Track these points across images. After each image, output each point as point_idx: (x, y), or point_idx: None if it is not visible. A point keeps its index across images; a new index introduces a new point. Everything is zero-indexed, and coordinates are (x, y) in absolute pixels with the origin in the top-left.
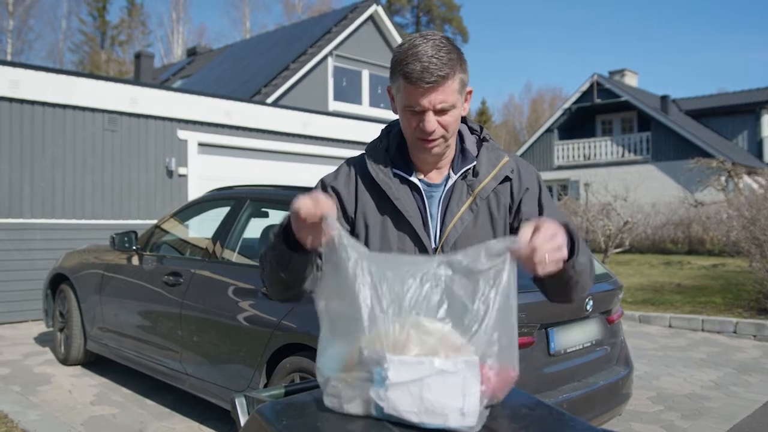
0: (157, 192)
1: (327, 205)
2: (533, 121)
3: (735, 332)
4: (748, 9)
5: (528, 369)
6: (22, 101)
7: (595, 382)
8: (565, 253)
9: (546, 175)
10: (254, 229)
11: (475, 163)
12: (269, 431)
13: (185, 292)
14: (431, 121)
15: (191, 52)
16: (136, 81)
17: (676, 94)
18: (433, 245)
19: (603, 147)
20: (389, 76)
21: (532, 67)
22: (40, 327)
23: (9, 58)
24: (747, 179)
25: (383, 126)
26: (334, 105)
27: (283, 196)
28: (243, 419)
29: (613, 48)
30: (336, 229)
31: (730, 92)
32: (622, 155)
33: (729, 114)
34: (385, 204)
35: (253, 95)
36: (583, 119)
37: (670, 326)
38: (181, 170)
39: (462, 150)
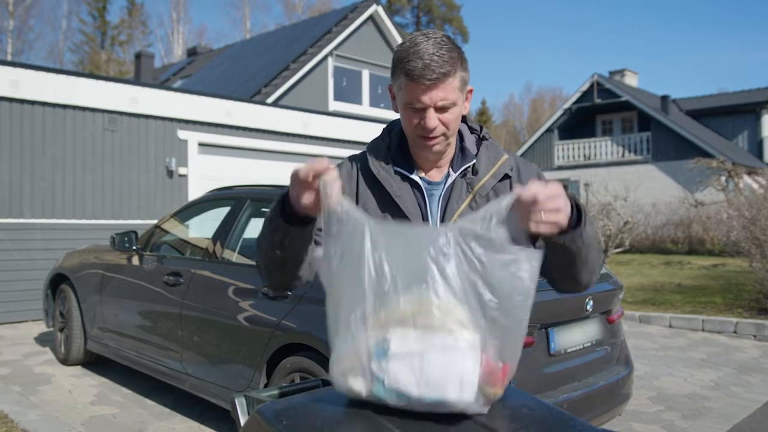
0: (158, 192)
1: (326, 167)
2: (533, 121)
3: (735, 332)
4: (748, 9)
5: (528, 369)
6: (22, 101)
7: (596, 382)
8: (562, 218)
9: (546, 175)
10: (254, 229)
11: (474, 161)
12: (269, 431)
13: (185, 292)
14: (432, 119)
15: (191, 52)
16: (137, 81)
17: (676, 94)
18: None
19: (603, 147)
20: (390, 74)
21: (532, 67)
22: (41, 327)
23: (9, 58)
24: (747, 179)
25: (383, 126)
26: (334, 105)
27: None
28: (243, 419)
29: (613, 48)
30: (338, 195)
31: (730, 92)
32: (623, 155)
33: (729, 114)
34: (385, 201)
35: (254, 95)
36: (584, 119)
37: (670, 326)
38: (182, 170)
39: (462, 149)
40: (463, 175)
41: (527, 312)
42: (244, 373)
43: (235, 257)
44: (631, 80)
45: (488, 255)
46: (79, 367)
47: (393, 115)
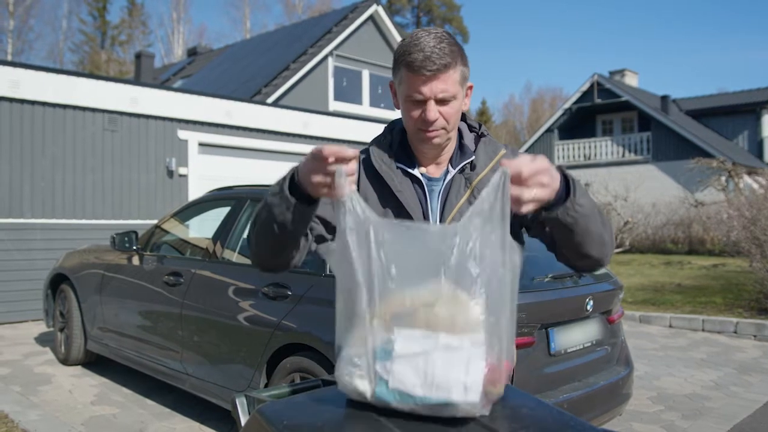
0: (158, 192)
1: (351, 156)
2: (533, 121)
3: (735, 332)
4: (748, 9)
5: (528, 369)
6: (22, 101)
7: (596, 382)
8: (547, 194)
9: None
10: None
11: (473, 157)
12: (270, 431)
13: (186, 292)
14: (432, 110)
15: (191, 52)
16: (137, 81)
17: (677, 94)
18: None
19: (603, 147)
20: (392, 69)
21: (533, 67)
22: (41, 327)
23: (9, 58)
24: (747, 179)
25: (383, 126)
26: (334, 105)
27: None
28: (243, 419)
29: (613, 48)
30: (348, 190)
31: (730, 92)
32: (623, 155)
33: (729, 114)
34: (387, 196)
35: (254, 95)
36: (584, 119)
37: (670, 326)
38: (182, 170)
39: (461, 146)
40: (462, 170)
41: (515, 307)
42: (244, 373)
43: (235, 257)
44: (631, 80)
45: (491, 250)
46: (79, 367)
47: (393, 115)
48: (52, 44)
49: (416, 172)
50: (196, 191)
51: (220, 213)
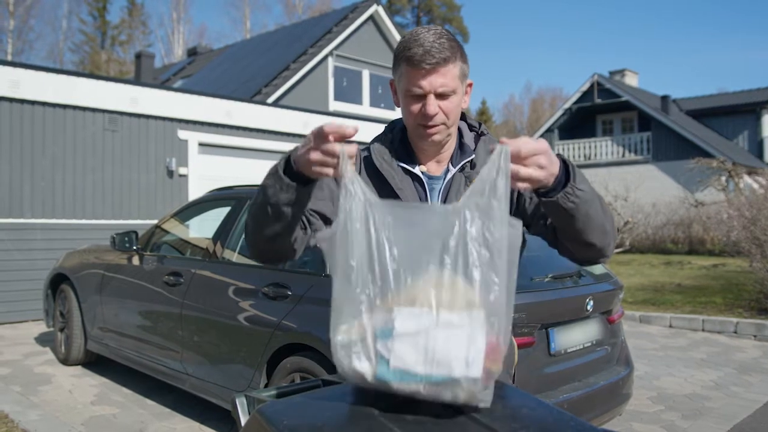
0: (158, 192)
1: (352, 134)
2: (533, 121)
3: (735, 332)
4: (748, 9)
5: (528, 369)
6: (22, 101)
7: (596, 382)
8: (543, 176)
9: None
10: None
11: (473, 156)
12: (270, 431)
13: (186, 292)
14: (432, 104)
15: (192, 52)
16: (137, 81)
17: (677, 94)
18: None
19: (603, 147)
20: (392, 67)
21: (533, 67)
22: (41, 327)
23: (9, 57)
24: (747, 179)
25: (383, 126)
26: (334, 105)
27: None
28: (243, 419)
29: (613, 48)
30: (349, 171)
31: (730, 92)
32: (623, 155)
33: (729, 114)
34: (387, 194)
35: (254, 95)
36: (584, 119)
37: (670, 326)
38: (182, 170)
39: (461, 145)
40: (462, 169)
41: (515, 286)
42: (244, 373)
43: (235, 257)
44: (631, 80)
45: (492, 228)
46: (79, 367)
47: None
48: (52, 44)
49: (417, 170)
50: (196, 191)
51: (220, 213)
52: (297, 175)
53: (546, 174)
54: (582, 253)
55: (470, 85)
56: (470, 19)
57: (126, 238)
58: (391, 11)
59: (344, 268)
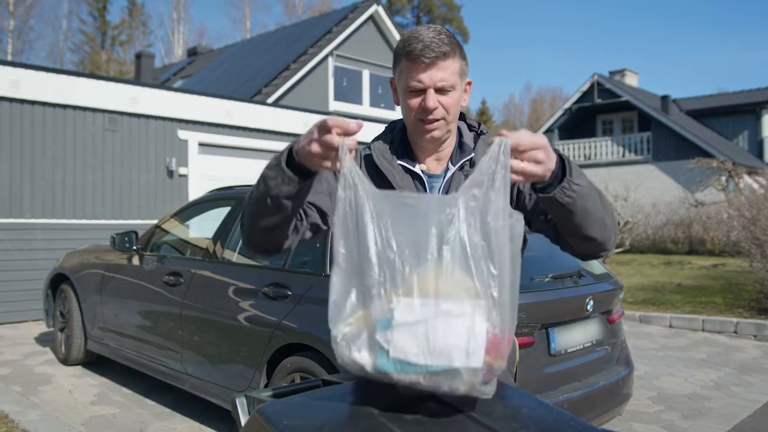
0: (158, 192)
1: (355, 130)
2: (534, 121)
3: (735, 332)
4: (748, 9)
5: (528, 369)
6: (22, 101)
7: (596, 382)
8: (540, 171)
9: None
10: None
11: (472, 155)
12: (270, 431)
13: (186, 292)
14: (432, 98)
15: (192, 52)
16: (137, 81)
17: (677, 94)
18: None
19: (603, 147)
20: (392, 66)
21: (533, 67)
22: (41, 327)
23: (9, 57)
24: (747, 179)
25: (383, 126)
26: (334, 105)
27: None
28: (243, 419)
29: (613, 48)
30: (349, 163)
31: (730, 92)
32: (623, 155)
33: (729, 114)
34: None
35: (254, 95)
36: (584, 119)
37: (670, 326)
38: (182, 170)
39: (460, 144)
40: (461, 167)
41: (518, 279)
42: (244, 373)
43: (235, 257)
44: (631, 80)
45: (490, 219)
46: (79, 367)
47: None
48: (52, 44)
49: (417, 168)
50: (196, 191)
51: (220, 213)
52: (298, 167)
53: (543, 169)
54: (583, 247)
55: (469, 83)
56: (470, 19)
57: (126, 238)
58: (391, 11)
59: (342, 259)
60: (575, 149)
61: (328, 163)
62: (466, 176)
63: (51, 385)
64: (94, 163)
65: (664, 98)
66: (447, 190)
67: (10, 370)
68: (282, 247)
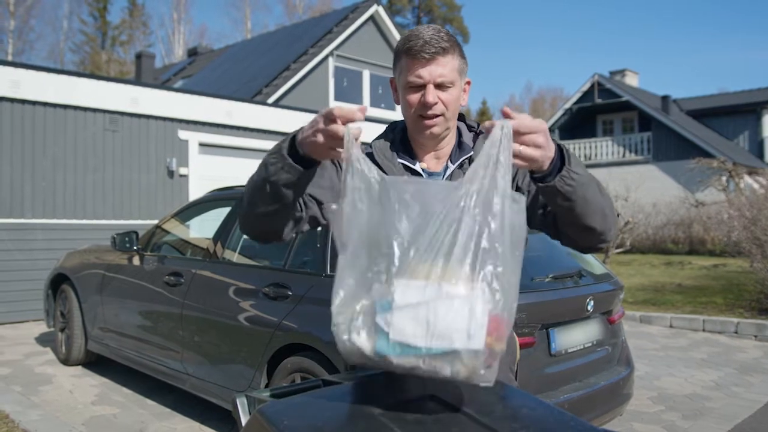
0: (158, 192)
1: (360, 117)
2: None
3: (736, 332)
4: (748, 9)
5: (529, 369)
6: (23, 101)
7: (596, 383)
8: (539, 155)
9: None
10: None
11: (471, 153)
12: (270, 431)
13: (186, 293)
14: (431, 93)
15: (192, 53)
16: (137, 81)
17: (677, 94)
18: None
19: (604, 147)
20: (393, 65)
21: (533, 67)
22: (41, 327)
23: (10, 58)
24: (748, 179)
25: (384, 126)
26: (334, 105)
27: None
28: (244, 419)
29: (613, 48)
30: (355, 150)
31: (730, 92)
32: (623, 155)
33: (730, 114)
34: None
35: (254, 95)
36: (584, 119)
37: (671, 326)
38: (182, 170)
39: (459, 143)
40: (461, 166)
41: (521, 261)
42: (244, 373)
43: (235, 257)
44: (631, 80)
45: (495, 202)
46: (79, 367)
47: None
48: (52, 44)
49: (417, 166)
50: (196, 191)
51: (220, 213)
52: (300, 156)
53: (541, 154)
54: (584, 239)
55: (468, 83)
56: (470, 19)
57: (126, 239)
58: (392, 11)
59: (348, 243)
60: (576, 149)
61: (334, 153)
62: (465, 173)
63: (51, 385)
64: (94, 164)
65: (665, 98)
66: None
67: (11, 370)
68: (279, 236)
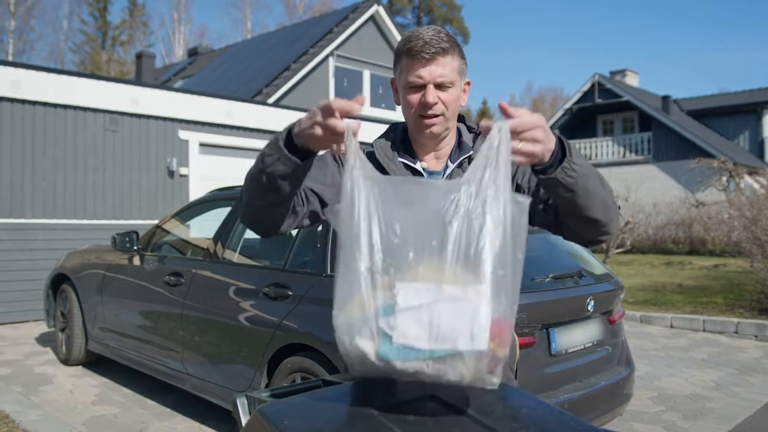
0: (159, 192)
1: (358, 109)
2: None
3: (736, 332)
4: (748, 9)
5: (529, 369)
6: (23, 101)
7: (597, 383)
8: (540, 150)
9: None
10: None
11: (471, 153)
12: (271, 431)
13: (186, 293)
14: (432, 93)
15: (192, 53)
16: (138, 81)
17: (677, 94)
18: None
19: (604, 147)
20: (393, 66)
21: (533, 67)
22: (42, 327)
23: (10, 58)
24: (748, 179)
25: (384, 126)
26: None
27: None
28: (244, 419)
29: (614, 48)
30: (354, 146)
31: (731, 92)
32: (624, 155)
33: (730, 114)
34: None
35: (255, 95)
36: (585, 119)
37: (671, 326)
38: (183, 170)
39: (459, 143)
40: (461, 165)
41: (522, 264)
42: (245, 373)
43: (236, 257)
44: (632, 80)
45: (494, 203)
46: (80, 367)
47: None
48: (53, 44)
49: (417, 165)
50: (196, 191)
51: (220, 213)
52: (297, 148)
53: (542, 148)
54: (586, 231)
55: (468, 83)
56: (470, 19)
57: (127, 239)
58: (392, 11)
59: (347, 244)
60: None
61: (333, 146)
62: (465, 172)
63: (52, 385)
64: (94, 164)
65: (665, 98)
66: None
67: (11, 370)
68: (278, 228)
